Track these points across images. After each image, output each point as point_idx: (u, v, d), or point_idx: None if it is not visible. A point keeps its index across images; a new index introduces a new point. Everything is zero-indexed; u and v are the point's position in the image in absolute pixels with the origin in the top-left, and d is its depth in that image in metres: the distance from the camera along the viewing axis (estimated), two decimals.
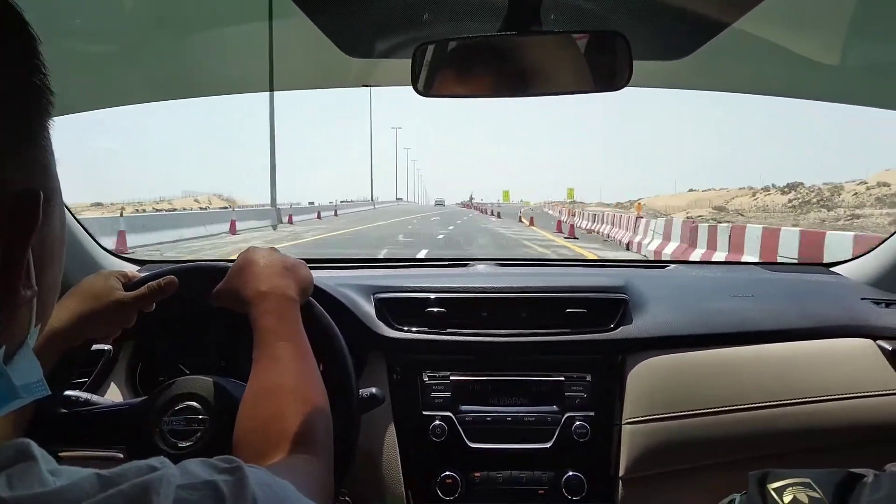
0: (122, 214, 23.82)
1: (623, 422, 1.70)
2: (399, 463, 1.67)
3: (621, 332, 1.77)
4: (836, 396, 1.72)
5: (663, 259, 12.39)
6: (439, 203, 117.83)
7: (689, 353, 1.77)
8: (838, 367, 1.77)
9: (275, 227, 30.11)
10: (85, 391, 1.45)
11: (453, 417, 1.70)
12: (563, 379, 1.74)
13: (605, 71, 1.33)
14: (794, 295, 2.02)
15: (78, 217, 1.92)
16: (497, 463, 1.69)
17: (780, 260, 10.11)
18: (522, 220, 37.17)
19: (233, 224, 26.09)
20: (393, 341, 1.76)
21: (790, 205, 42.36)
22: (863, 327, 1.83)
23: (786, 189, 49.99)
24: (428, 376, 1.75)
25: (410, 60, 1.36)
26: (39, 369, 0.58)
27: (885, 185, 41.65)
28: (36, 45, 0.52)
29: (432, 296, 1.83)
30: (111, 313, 1.20)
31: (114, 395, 1.68)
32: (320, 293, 1.47)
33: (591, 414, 1.71)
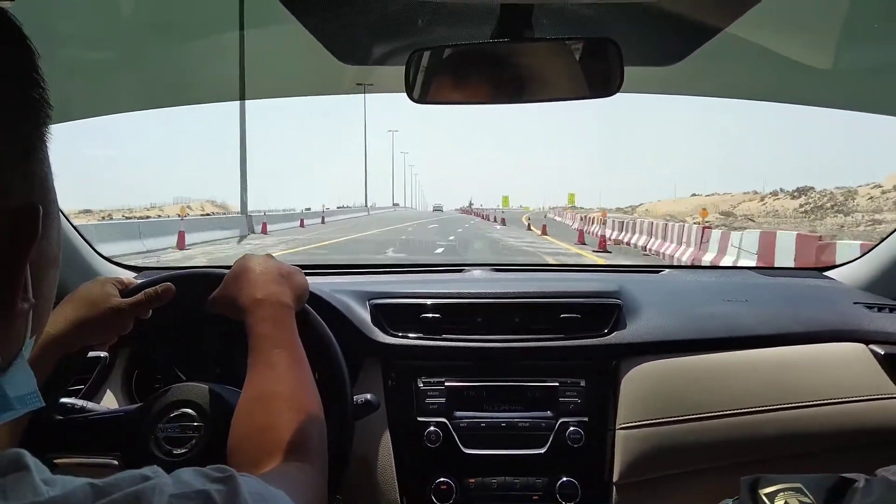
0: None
1: (617, 427, 1.70)
2: (394, 469, 1.67)
3: (615, 338, 1.78)
4: (829, 401, 1.73)
5: None
6: (437, 208, 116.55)
7: (683, 358, 1.77)
8: (831, 372, 1.78)
9: (242, 239, 24.91)
10: (81, 398, 1.45)
11: (448, 423, 1.70)
12: (557, 384, 1.74)
13: (597, 77, 1.34)
14: (788, 299, 2.02)
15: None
16: (492, 469, 1.70)
17: None
18: (532, 228, 32.88)
19: (181, 236, 19.75)
20: (388, 347, 1.76)
21: (802, 210, 41.49)
22: (855, 331, 1.84)
23: (795, 193, 49.00)
24: (423, 382, 1.75)
25: (400, 67, 1.36)
26: (34, 381, 0.58)
27: None
28: (35, 60, 0.52)
29: (427, 301, 1.83)
30: (108, 320, 1.20)
31: (109, 402, 1.68)
32: (316, 299, 1.48)
33: (585, 419, 1.71)
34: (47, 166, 0.55)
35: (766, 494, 1.17)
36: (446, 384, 1.75)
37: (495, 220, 46.80)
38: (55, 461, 1.24)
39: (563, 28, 1.64)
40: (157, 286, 1.24)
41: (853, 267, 2.26)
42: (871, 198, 40.04)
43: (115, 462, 1.26)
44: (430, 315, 1.80)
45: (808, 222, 34.25)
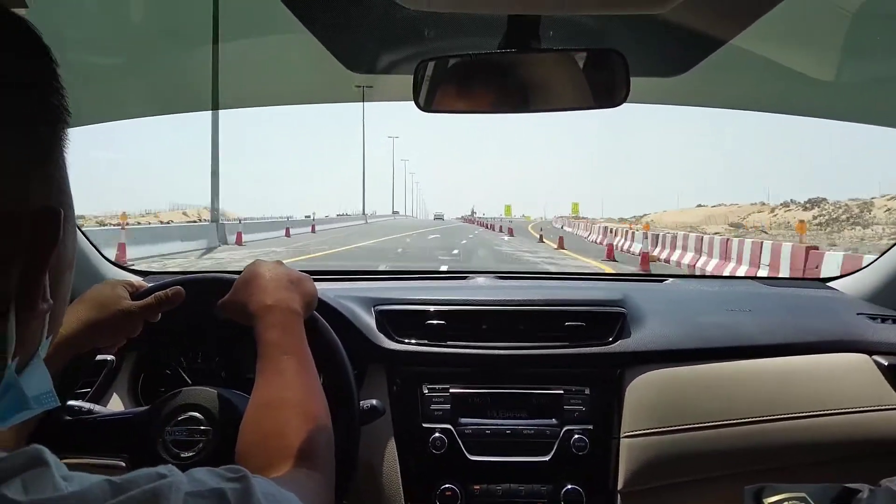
0: None
1: (621, 435, 1.71)
2: (399, 475, 1.68)
3: (619, 346, 1.79)
4: (832, 411, 1.73)
5: None
6: (438, 217, 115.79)
7: (687, 367, 1.78)
8: (834, 382, 1.78)
9: (207, 252, 21.09)
10: (87, 401, 1.47)
11: (453, 430, 1.71)
12: (561, 392, 1.75)
13: (604, 88, 1.35)
14: (791, 309, 2.03)
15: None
16: (496, 476, 1.70)
17: None
18: (545, 240, 29.51)
19: (121, 249, 15.72)
20: (393, 353, 1.77)
21: (816, 222, 40.46)
22: (858, 342, 1.84)
23: (807, 205, 47.98)
24: (428, 388, 1.76)
25: (410, 76, 1.38)
26: (50, 381, 0.59)
27: None
28: (55, 69, 0.53)
29: (432, 308, 1.84)
30: (118, 322, 1.21)
31: (115, 405, 1.69)
32: (322, 305, 1.49)
33: (590, 427, 1.72)
34: (65, 171, 0.56)
35: (770, 503, 1.17)
36: (451, 391, 1.75)
37: (501, 230, 43.42)
38: (63, 461, 1.25)
39: (570, 39, 1.66)
40: (168, 290, 1.25)
41: (857, 278, 2.26)
42: (889, 210, 38.78)
43: (123, 464, 1.26)
44: (436, 322, 1.81)
45: (826, 235, 33.23)
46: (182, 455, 1.23)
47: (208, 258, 19.98)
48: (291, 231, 33.94)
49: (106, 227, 22.94)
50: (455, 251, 23.12)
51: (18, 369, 0.54)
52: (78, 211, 0.60)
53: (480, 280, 2.29)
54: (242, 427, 1.03)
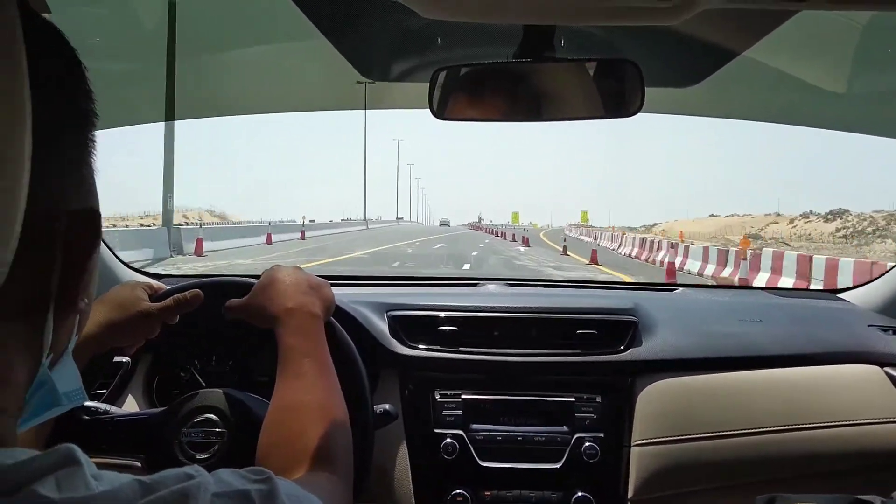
0: None
1: (632, 443, 1.71)
2: (410, 480, 1.68)
3: (631, 354, 1.79)
4: (844, 422, 1.73)
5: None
6: (444, 223, 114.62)
7: (698, 377, 1.78)
8: (845, 394, 1.78)
9: (155, 264, 16.25)
10: (103, 402, 1.48)
11: (464, 436, 1.72)
12: (573, 399, 1.76)
13: (618, 98, 1.36)
14: (802, 320, 2.03)
15: None
16: (507, 482, 1.70)
17: None
18: (570, 253, 25.31)
19: None
20: (406, 358, 1.78)
21: (840, 234, 39.45)
22: (870, 354, 1.84)
23: (829, 216, 46.91)
24: (440, 394, 1.77)
25: (422, 84, 1.39)
26: (79, 377, 0.61)
27: None
28: (85, 73, 0.55)
29: (445, 314, 1.85)
30: (137, 323, 1.23)
31: (130, 406, 1.70)
32: (336, 310, 1.50)
33: (601, 435, 1.72)
34: (93, 173, 0.58)
35: None
36: (463, 397, 1.76)
37: (514, 239, 38.51)
38: None
39: (583, 49, 1.67)
40: (187, 292, 1.26)
41: (867, 289, 2.26)
42: None
43: (139, 464, 1.28)
44: (448, 328, 1.82)
45: (854, 248, 31.97)
46: (198, 457, 1.24)
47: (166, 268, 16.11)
48: (276, 237, 28.93)
49: None
50: (466, 266, 20.37)
51: (50, 366, 0.55)
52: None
53: (491, 287, 2.29)
54: (263, 429, 1.04)
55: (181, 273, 2.54)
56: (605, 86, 1.36)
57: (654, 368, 1.79)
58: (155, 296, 1.29)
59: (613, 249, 28.14)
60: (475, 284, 2.33)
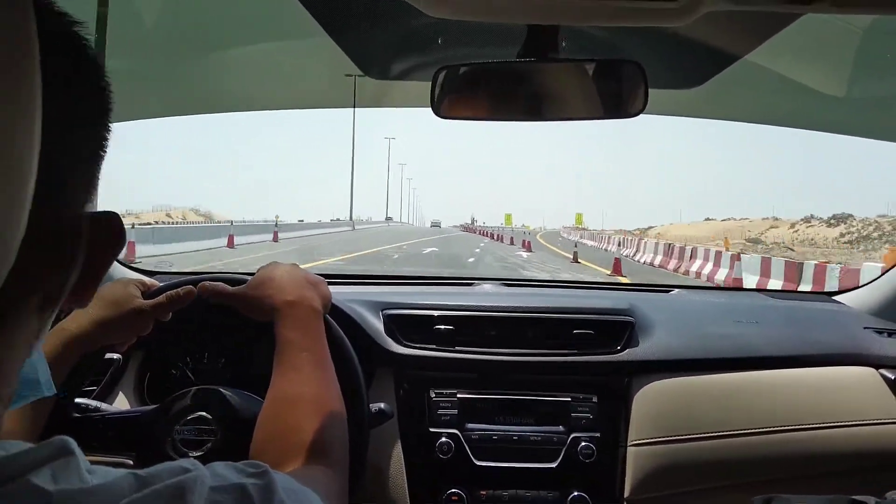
0: None
1: (628, 443, 1.71)
2: (405, 479, 1.68)
3: (627, 355, 1.79)
4: (839, 424, 1.74)
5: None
6: (435, 225, 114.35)
7: (694, 378, 1.78)
8: (840, 395, 1.79)
9: None
10: (94, 399, 1.47)
11: (460, 435, 1.71)
12: (569, 399, 1.76)
13: (622, 98, 1.36)
14: (798, 322, 2.04)
15: None
16: (503, 481, 1.70)
17: None
18: (581, 260, 22.12)
19: None
20: (401, 357, 1.77)
21: (844, 239, 38.77)
22: (865, 356, 1.86)
23: (832, 221, 46.33)
24: (435, 393, 1.76)
25: (424, 82, 1.38)
26: (47, 368, 0.60)
27: None
28: (100, 66, 0.54)
29: (440, 313, 1.85)
30: (129, 320, 1.22)
31: (121, 403, 1.69)
32: (332, 308, 1.50)
33: (597, 435, 1.72)
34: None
35: None
36: (458, 396, 1.76)
37: (513, 243, 34.59)
38: None
39: (585, 50, 1.67)
40: (180, 289, 1.26)
41: (863, 292, 2.27)
42: None
43: (131, 462, 1.27)
44: (444, 327, 1.81)
45: (862, 254, 31.11)
46: (190, 454, 1.23)
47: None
48: (243, 239, 25.75)
49: None
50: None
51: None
52: None
53: (487, 287, 2.29)
54: (259, 421, 1.03)
55: (174, 270, 2.52)
56: (609, 86, 1.36)
57: (651, 369, 1.79)
58: (147, 293, 1.28)
59: (628, 256, 24.64)
60: (470, 284, 2.32)
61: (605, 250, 27.10)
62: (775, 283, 13.88)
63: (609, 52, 1.68)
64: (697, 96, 1.81)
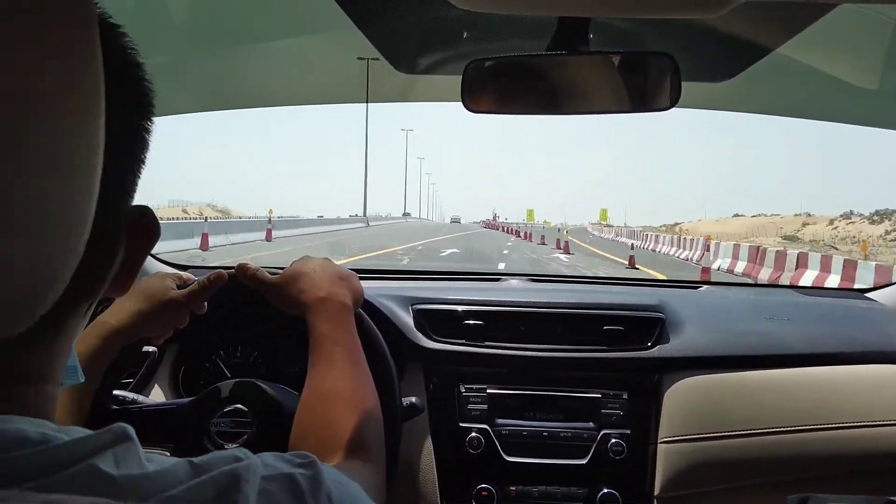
0: None
1: (659, 441, 1.70)
2: (435, 473, 1.68)
3: (658, 351, 1.78)
4: (874, 423, 1.72)
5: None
6: (455, 220, 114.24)
7: (726, 375, 1.77)
8: (875, 393, 1.77)
9: None
10: (130, 391, 1.49)
11: (490, 430, 1.71)
12: (599, 396, 1.75)
13: (653, 91, 1.35)
14: (830, 319, 2.01)
15: None
16: (532, 477, 1.70)
17: None
18: (639, 266, 18.97)
19: None
20: (431, 352, 1.77)
21: (891, 237, 37.22)
22: None
23: (875, 218, 44.76)
24: (465, 388, 1.77)
25: (451, 76, 1.38)
26: (76, 356, 0.62)
27: None
28: (141, 63, 0.55)
29: (470, 308, 1.85)
30: (167, 313, 1.24)
31: (157, 396, 1.72)
32: (363, 302, 1.51)
33: (627, 432, 1.71)
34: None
35: None
36: (488, 391, 1.76)
37: (543, 242, 29.95)
38: None
39: (613, 43, 1.66)
40: (210, 274, 1.28)
41: (895, 289, 2.23)
42: None
43: (168, 453, 1.28)
44: (473, 322, 1.81)
45: None
46: (227, 446, 1.25)
47: None
48: (223, 238, 22.02)
49: None
50: None
51: None
52: None
53: (514, 282, 2.29)
54: (296, 416, 1.05)
55: (209, 265, 2.55)
56: (640, 79, 1.35)
57: (682, 366, 1.78)
58: (183, 286, 1.30)
59: (687, 259, 21.59)
60: (498, 280, 2.33)
61: (654, 251, 23.73)
62: None
63: (637, 46, 1.67)
64: (727, 90, 1.79)
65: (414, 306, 1.85)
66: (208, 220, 26.15)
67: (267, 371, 1.74)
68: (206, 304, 1.28)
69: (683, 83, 1.34)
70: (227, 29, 1.81)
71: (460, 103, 1.36)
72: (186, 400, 1.39)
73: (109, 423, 1.21)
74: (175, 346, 1.78)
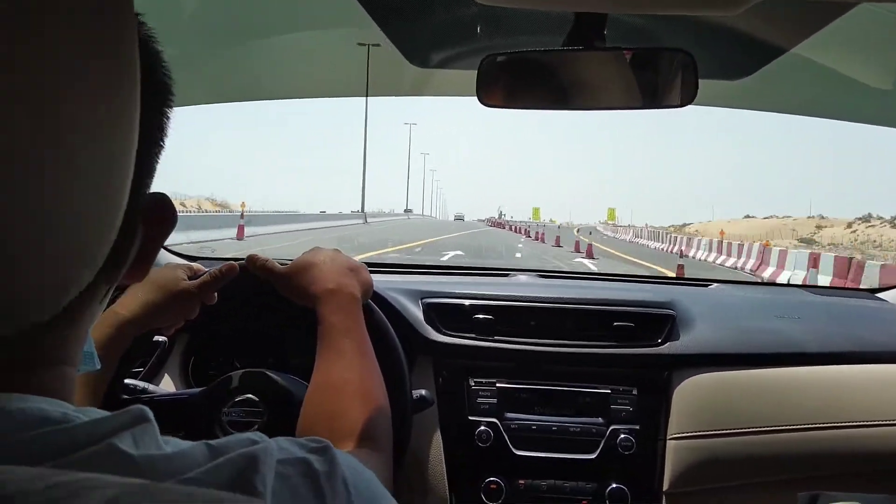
0: None
1: (668, 437, 1.71)
2: (444, 466, 1.69)
3: (668, 348, 1.78)
4: (883, 422, 1.72)
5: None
6: (459, 218, 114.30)
7: (736, 372, 1.77)
8: (885, 393, 1.77)
9: None
10: (140, 380, 1.50)
11: (499, 424, 1.72)
12: (608, 391, 1.75)
13: (670, 88, 1.35)
14: (841, 318, 2.01)
15: None
16: (541, 471, 1.71)
17: None
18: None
19: None
20: (441, 345, 1.78)
21: None
22: None
23: None
24: (474, 382, 1.77)
25: (465, 71, 1.38)
26: (93, 343, 0.62)
27: None
28: (160, 51, 0.55)
29: (480, 302, 1.85)
30: (178, 304, 1.24)
31: (167, 385, 1.73)
32: (373, 295, 1.51)
33: (637, 427, 1.72)
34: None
35: None
36: (497, 385, 1.76)
37: (559, 244, 27.02)
38: None
39: (632, 39, 1.65)
40: (222, 265, 1.28)
41: None
42: None
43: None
44: (483, 316, 1.81)
45: None
46: None
47: None
48: (181, 237, 18.15)
49: None
50: None
51: None
52: None
53: (523, 278, 2.29)
54: (304, 405, 1.05)
55: (219, 256, 2.55)
56: (657, 75, 1.35)
57: (692, 363, 1.78)
58: (194, 277, 1.30)
59: (737, 268, 19.59)
60: (507, 275, 2.33)
61: (683, 255, 20.82)
62: None
63: (653, 42, 1.67)
64: (743, 88, 1.79)
65: (424, 300, 1.85)
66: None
67: (276, 361, 1.74)
68: (216, 294, 1.29)
69: (702, 80, 1.34)
70: (234, 22, 1.81)
71: (468, 99, 1.36)
72: (198, 390, 1.39)
73: None
74: (185, 336, 1.79)
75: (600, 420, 1.73)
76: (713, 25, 1.58)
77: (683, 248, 23.88)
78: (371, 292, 1.31)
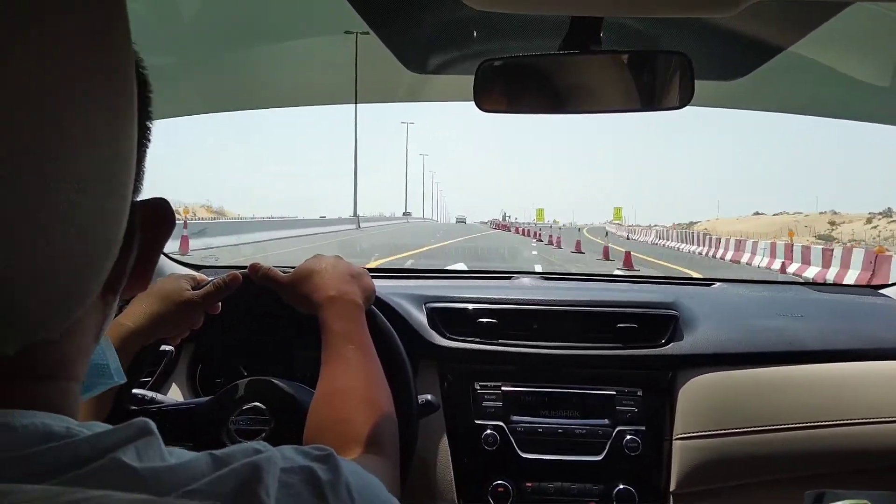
0: None
1: (674, 437, 1.71)
2: (451, 470, 1.70)
3: (672, 349, 1.78)
4: (889, 419, 1.72)
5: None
6: (460, 220, 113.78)
7: (740, 371, 1.77)
8: (890, 389, 1.76)
9: None
10: (148, 390, 1.51)
11: (505, 427, 1.72)
12: (614, 393, 1.76)
13: (667, 90, 1.36)
14: (844, 316, 2.01)
15: None
16: (548, 474, 1.71)
17: None
18: None
19: None
20: (445, 350, 1.79)
21: None
22: None
23: None
24: (479, 386, 1.78)
25: (461, 76, 1.39)
26: (116, 356, 0.62)
27: None
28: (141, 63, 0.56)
29: (483, 306, 1.86)
30: (182, 313, 1.25)
31: (174, 394, 1.74)
32: (376, 300, 1.52)
33: (642, 428, 1.72)
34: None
35: None
36: (503, 388, 1.77)
37: (580, 250, 23.44)
38: None
39: (625, 42, 1.66)
40: (226, 275, 1.29)
41: None
42: None
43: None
44: (487, 320, 1.82)
45: None
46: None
47: None
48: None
49: None
50: None
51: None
52: None
53: (526, 280, 2.29)
54: (310, 414, 1.05)
55: (223, 265, 2.56)
56: (653, 78, 1.36)
57: (696, 363, 1.78)
58: (197, 287, 1.31)
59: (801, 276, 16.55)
60: (508, 278, 2.33)
61: (707, 256, 19.15)
62: None
63: (649, 44, 1.67)
64: (739, 88, 1.79)
65: (427, 305, 1.86)
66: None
67: (282, 368, 1.75)
68: (220, 304, 1.30)
69: (697, 81, 1.34)
70: (231, 31, 1.82)
71: (468, 102, 1.36)
72: (205, 399, 1.40)
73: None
74: (191, 346, 1.80)
75: (606, 421, 1.74)
76: (709, 27, 1.58)
77: (732, 252, 21.15)
78: (373, 298, 1.32)
